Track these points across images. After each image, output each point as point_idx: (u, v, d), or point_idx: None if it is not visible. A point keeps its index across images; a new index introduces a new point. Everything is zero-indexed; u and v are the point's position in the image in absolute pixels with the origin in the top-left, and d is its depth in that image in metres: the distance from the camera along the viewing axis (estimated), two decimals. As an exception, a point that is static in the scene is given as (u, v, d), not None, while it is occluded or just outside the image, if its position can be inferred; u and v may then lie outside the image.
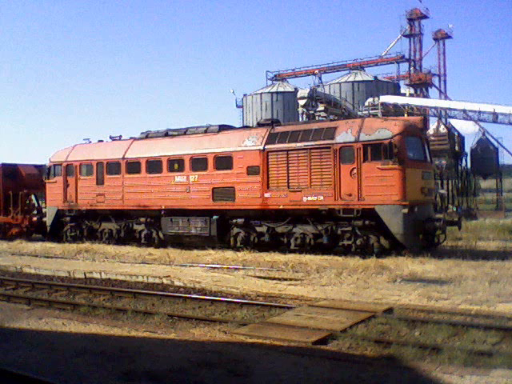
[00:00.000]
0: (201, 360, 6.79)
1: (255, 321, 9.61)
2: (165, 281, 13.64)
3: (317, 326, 8.50)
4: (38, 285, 14.18)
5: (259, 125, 19.81)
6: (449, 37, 56.54)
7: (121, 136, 23.23)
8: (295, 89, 46.66)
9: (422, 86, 50.74)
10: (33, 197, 27.08)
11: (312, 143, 17.12)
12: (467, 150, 45.23)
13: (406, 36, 53.60)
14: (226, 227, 19.11)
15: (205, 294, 12.17)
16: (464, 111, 41.08)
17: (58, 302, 12.08)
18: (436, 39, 56.50)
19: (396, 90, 48.56)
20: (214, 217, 19.04)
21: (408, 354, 7.10)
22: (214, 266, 15.88)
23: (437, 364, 6.63)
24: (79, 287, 13.61)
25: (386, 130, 16.16)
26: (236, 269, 15.06)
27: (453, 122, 45.29)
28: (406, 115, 37.08)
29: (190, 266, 15.96)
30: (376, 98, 40.76)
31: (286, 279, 13.33)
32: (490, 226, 26.35)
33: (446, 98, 51.93)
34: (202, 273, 14.55)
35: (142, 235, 21.10)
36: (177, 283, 13.38)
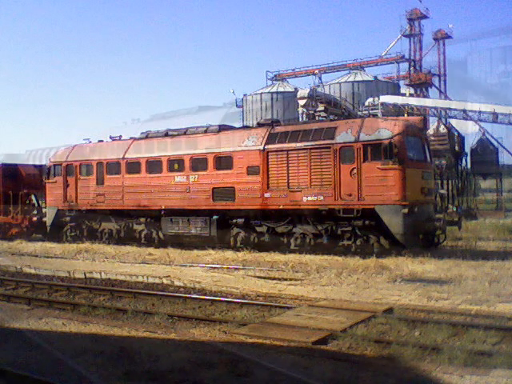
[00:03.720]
0: (201, 360, 6.79)
1: (255, 321, 9.61)
2: (165, 281, 13.63)
3: (317, 325, 8.50)
4: (38, 285, 14.16)
5: (259, 125, 19.81)
6: (449, 37, 56.54)
7: (121, 136, 23.24)
8: (295, 89, 46.57)
9: (422, 85, 50.71)
10: (33, 197, 27.08)
11: (312, 143, 17.12)
12: (467, 150, 45.17)
13: (406, 36, 53.56)
14: (226, 227, 19.10)
15: (205, 294, 12.16)
16: (464, 111, 41.06)
17: (58, 302, 12.06)
18: (436, 39, 56.48)
19: (396, 90, 48.49)
20: (214, 217, 19.05)
21: (408, 354, 7.09)
22: (214, 266, 15.88)
23: (437, 364, 6.62)
24: (79, 287, 13.60)
25: (386, 130, 16.16)
26: (236, 269, 15.05)
27: (453, 122, 45.27)
28: (406, 115, 37.04)
29: (190, 266, 15.96)
30: (376, 98, 40.67)
31: (286, 279, 13.33)
32: (490, 225, 26.31)
33: (446, 97, 51.91)
34: (202, 273, 14.55)
35: (142, 235, 21.09)
36: (177, 283, 13.37)
